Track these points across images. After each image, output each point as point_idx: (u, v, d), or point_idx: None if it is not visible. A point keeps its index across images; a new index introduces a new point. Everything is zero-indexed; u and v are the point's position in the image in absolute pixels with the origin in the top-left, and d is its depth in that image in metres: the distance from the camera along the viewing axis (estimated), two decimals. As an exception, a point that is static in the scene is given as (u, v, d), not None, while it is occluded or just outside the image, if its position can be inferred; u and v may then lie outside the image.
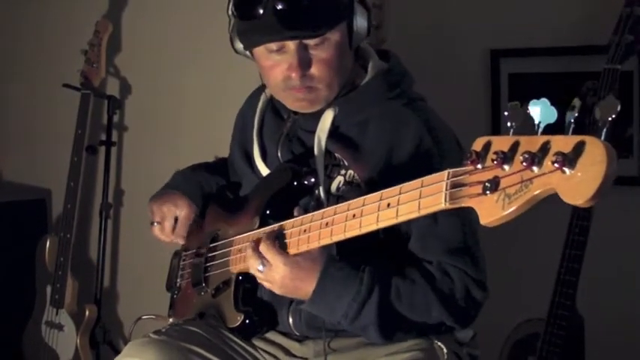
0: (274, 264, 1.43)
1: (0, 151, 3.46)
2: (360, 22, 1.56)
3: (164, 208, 1.79)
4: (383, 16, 2.30)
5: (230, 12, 1.59)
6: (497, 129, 2.41)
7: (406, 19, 2.33)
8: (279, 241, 1.45)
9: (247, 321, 1.61)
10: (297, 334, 1.63)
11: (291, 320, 1.62)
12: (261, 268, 1.45)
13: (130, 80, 3.10)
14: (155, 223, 1.80)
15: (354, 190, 1.55)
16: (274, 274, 1.44)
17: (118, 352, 2.80)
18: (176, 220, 1.80)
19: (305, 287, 1.45)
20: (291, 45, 1.51)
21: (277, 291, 1.47)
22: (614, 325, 2.24)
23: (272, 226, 1.49)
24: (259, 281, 1.50)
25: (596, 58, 2.08)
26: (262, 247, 1.45)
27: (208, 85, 2.92)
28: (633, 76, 2.18)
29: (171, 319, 1.83)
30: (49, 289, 2.91)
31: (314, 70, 1.53)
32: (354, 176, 1.57)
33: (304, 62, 1.52)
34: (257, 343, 1.66)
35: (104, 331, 2.94)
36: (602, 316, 2.18)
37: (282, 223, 1.47)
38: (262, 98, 1.74)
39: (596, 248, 2.02)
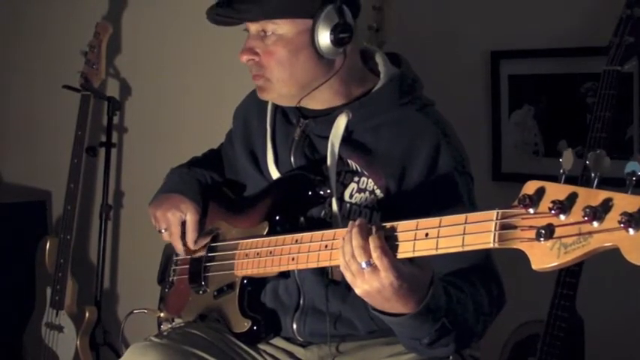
0: (387, 273, 1.22)
1: (0, 153, 3.46)
2: (323, 28, 1.51)
3: (168, 214, 1.73)
4: (383, 17, 2.29)
5: None
6: (497, 131, 2.40)
7: (406, 21, 2.33)
8: (389, 243, 1.25)
9: (255, 327, 1.59)
10: (301, 339, 1.63)
11: (295, 327, 1.61)
12: (364, 266, 1.24)
13: (130, 82, 3.11)
14: (163, 230, 1.76)
15: (368, 197, 1.55)
16: (374, 282, 1.24)
17: (118, 353, 2.83)
18: (183, 223, 1.74)
19: (398, 307, 1.28)
20: (252, 30, 1.57)
21: (360, 292, 1.27)
22: (614, 326, 2.24)
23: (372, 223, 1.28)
24: (346, 274, 1.28)
25: (597, 60, 2.08)
26: (375, 246, 1.23)
27: (208, 87, 2.92)
28: (633, 78, 2.18)
29: (162, 314, 1.83)
30: (49, 290, 2.91)
31: (262, 59, 1.56)
32: (367, 183, 1.56)
33: (251, 48, 1.56)
34: (261, 346, 1.65)
35: (104, 332, 2.94)
36: (602, 318, 2.18)
37: (394, 224, 1.26)
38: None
39: (597, 250, 2.02)
